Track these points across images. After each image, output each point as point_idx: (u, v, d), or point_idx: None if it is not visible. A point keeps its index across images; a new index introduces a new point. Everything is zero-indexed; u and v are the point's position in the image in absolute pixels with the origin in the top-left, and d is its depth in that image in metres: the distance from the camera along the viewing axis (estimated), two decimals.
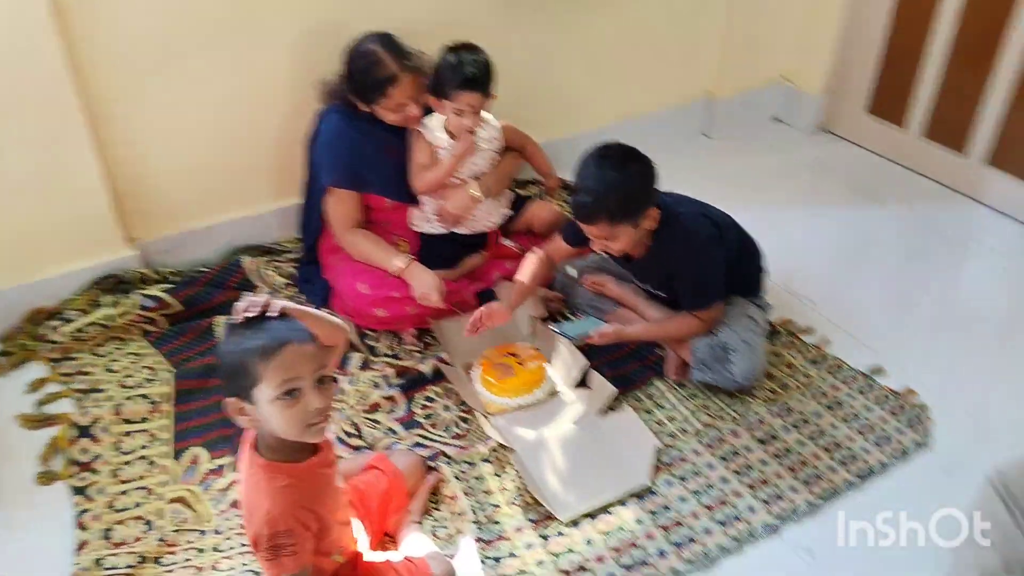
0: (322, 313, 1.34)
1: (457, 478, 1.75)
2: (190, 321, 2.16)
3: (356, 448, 1.83)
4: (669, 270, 1.93)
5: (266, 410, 1.22)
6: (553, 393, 1.99)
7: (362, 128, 2.14)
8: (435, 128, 2.15)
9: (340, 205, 2.15)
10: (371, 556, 1.50)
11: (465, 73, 2.02)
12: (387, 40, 2.05)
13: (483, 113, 2.14)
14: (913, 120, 2.90)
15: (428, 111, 2.15)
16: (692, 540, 1.63)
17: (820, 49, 3.06)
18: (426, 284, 2.05)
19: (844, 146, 3.13)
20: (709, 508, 1.69)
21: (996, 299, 2.34)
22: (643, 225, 1.83)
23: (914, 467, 1.80)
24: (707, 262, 1.90)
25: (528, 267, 2.06)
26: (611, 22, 2.77)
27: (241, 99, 2.28)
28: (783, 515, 1.68)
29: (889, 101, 2.98)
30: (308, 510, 1.28)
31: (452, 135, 2.14)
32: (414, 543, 1.58)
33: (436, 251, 2.23)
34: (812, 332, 2.18)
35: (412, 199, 2.22)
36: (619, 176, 1.76)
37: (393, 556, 1.51)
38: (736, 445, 1.84)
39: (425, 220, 2.23)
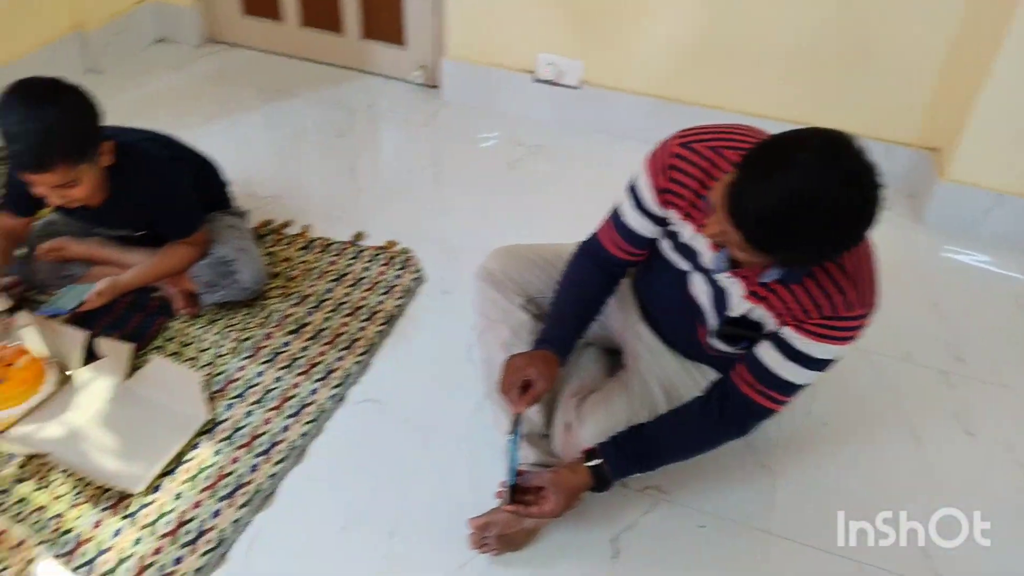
0: None
1: None
2: None
3: None
4: (141, 204, 1.79)
5: None
6: (64, 380, 1.75)
7: None
8: None
9: None
10: None
11: None
12: None
13: None
14: (288, 13, 3.06)
15: None
16: (275, 443, 1.65)
17: None
18: None
19: (236, 52, 3.17)
20: (277, 409, 1.72)
21: (414, 148, 2.70)
22: (101, 163, 1.66)
23: (421, 297, 2.07)
24: (178, 185, 1.82)
25: None
26: None
27: None
28: (341, 382, 1.79)
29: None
30: None
31: None
32: None
33: None
34: (291, 223, 2.27)
35: None
36: (59, 109, 1.54)
37: None
38: (273, 346, 1.87)
39: None
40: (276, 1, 3.03)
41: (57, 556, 1.41)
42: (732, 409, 1.40)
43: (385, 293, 2.04)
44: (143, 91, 2.86)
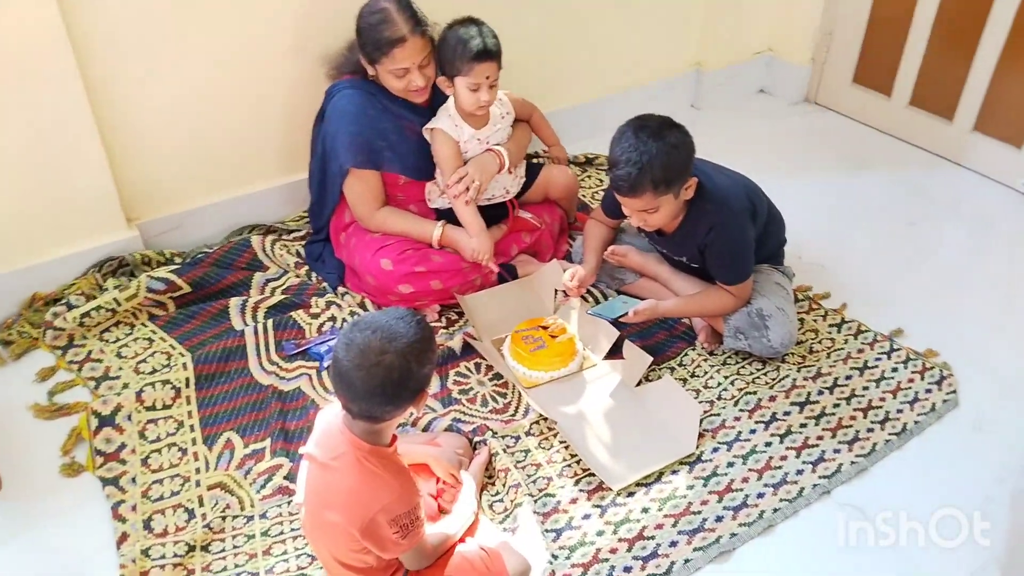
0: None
1: (504, 451, 1.71)
2: (200, 304, 2.07)
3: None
4: (702, 242, 1.90)
5: None
6: (585, 365, 1.96)
7: (378, 105, 2.06)
8: (450, 125, 2.06)
9: (362, 185, 2.07)
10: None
11: (478, 45, 1.94)
12: (401, 1, 1.97)
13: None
14: (899, 89, 2.95)
15: (435, 92, 2.09)
16: (746, 504, 1.63)
17: (805, 20, 3.08)
18: (476, 242, 2.04)
19: (831, 116, 3.17)
20: (758, 472, 1.70)
21: (991, 260, 2.40)
22: (682, 196, 1.81)
23: (945, 425, 1.84)
24: (740, 235, 1.88)
25: (593, 231, 2.12)
26: None
27: (239, 75, 2.18)
28: (830, 475, 1.69)
29: (875, 70, 3.02)
30: (416, 489, 1.32)
31: (465, 118, 2.07)
32: (482, 530, 1.53)
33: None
34: (828, 297, 2.20)
35: (428, 176, 2.15)
36: (660, 145, 1.72)
37: (464, 546, 1.45)
38: (774, 410, 1.84)
39: (441, 195, 2.17)
40: (892, 77, 2.95)
41: (535, 512, 1.58)
42: None
43: (907, 403, 1.86)
44: (734, 134, 3.00)
